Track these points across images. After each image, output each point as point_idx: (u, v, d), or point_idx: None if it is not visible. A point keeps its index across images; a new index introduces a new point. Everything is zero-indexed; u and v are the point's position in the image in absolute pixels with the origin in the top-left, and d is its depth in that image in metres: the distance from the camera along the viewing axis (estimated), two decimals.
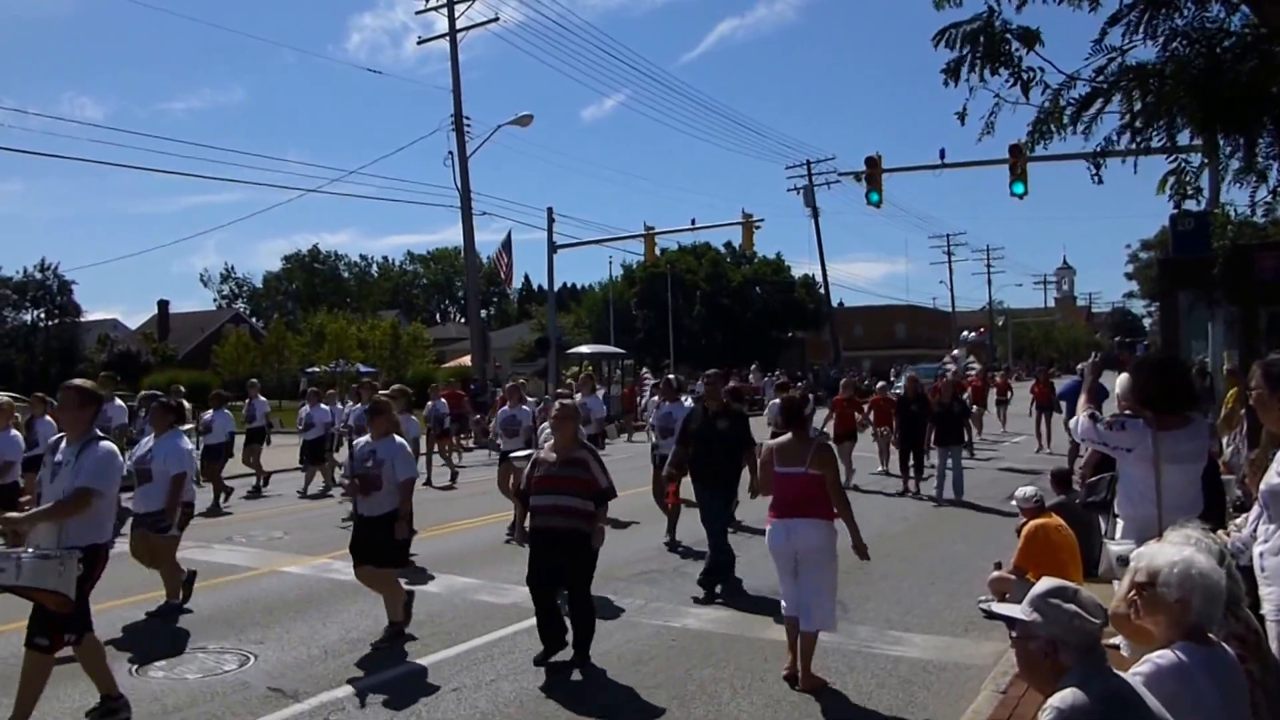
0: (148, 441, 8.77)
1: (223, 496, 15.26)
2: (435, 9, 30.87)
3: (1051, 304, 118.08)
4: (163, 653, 7.23)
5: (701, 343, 57.15)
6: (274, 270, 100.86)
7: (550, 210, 34.60)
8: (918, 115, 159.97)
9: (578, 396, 14.57)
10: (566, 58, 57.12)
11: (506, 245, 32.28)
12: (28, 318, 56.72)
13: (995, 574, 7.77)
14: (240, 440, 17.12)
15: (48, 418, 11.51)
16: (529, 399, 14.23)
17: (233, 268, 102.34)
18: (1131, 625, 2.99)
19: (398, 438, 7.69)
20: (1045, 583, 2.80)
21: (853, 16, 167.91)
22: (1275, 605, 3.68)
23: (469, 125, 30.52)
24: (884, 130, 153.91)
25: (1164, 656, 2.83)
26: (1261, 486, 3.94)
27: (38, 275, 56.21)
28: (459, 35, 30.71)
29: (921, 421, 14.85)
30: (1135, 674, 2.79)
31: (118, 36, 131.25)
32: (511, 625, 7.85)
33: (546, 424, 9.27)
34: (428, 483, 16.92)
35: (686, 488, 10.10)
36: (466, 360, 43.78)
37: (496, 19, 31.30)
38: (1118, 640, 4.12)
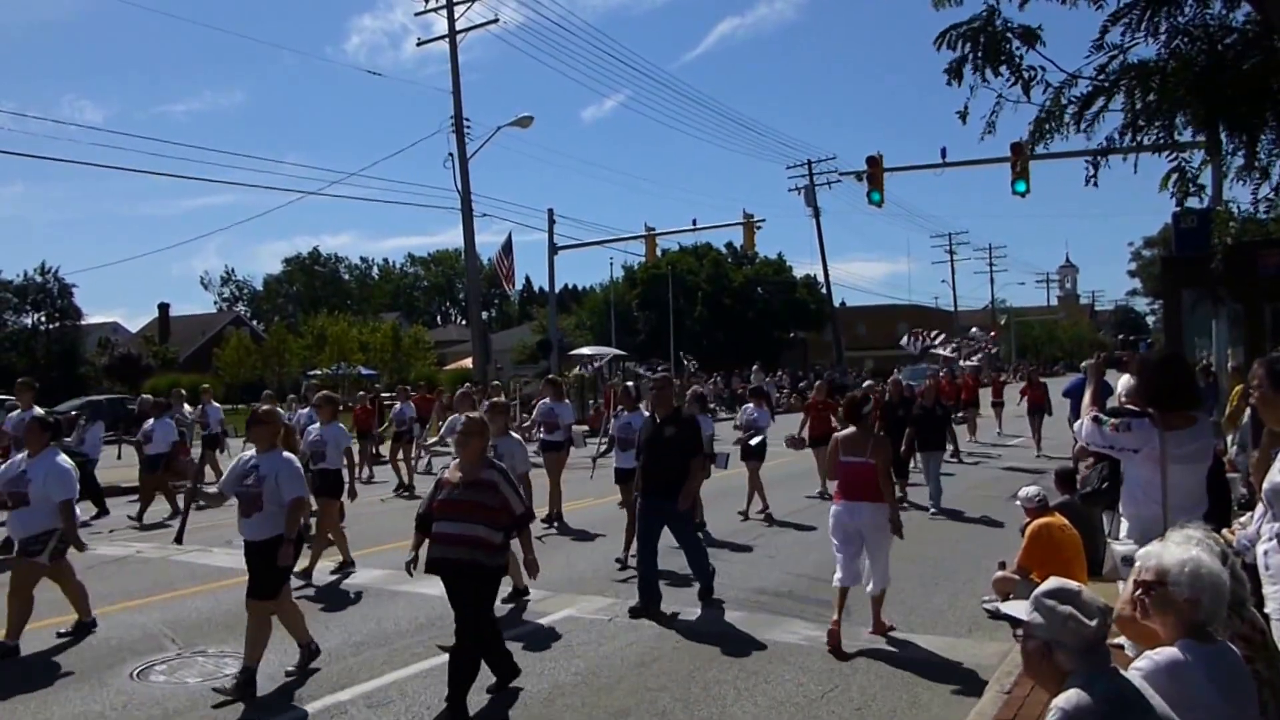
0: (20, 460, 7.86)
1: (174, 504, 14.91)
2: (435, 10, 30.81)
3: (1054, 302, 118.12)
4: (163, 656, 7.23)
5: (703, 344, 57.14)
6: (275, 273, 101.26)
7: (551, 211, 34.75)
8: (919, 114, 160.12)
9: (545, 401, 14.03)
10: (566, 58, 57.32)
11: (507, 248, 32.26)
12: (28, 321, 56.72)
13: (999, 574, 7.76)
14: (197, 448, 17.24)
15: None
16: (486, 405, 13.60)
17: (233, 270, 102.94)
18: (1136, 626, 2.98)
19: (285, 452, 6.84)
20: (1048, 583, 2.81)
21: (853, 15, 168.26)
22: (1279, 604, 3.66)
23: (469, 127, 30.48)
24: (885, 129, 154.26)
25: (1163, 653, 2.84)
26: (1264, 485, 3.92)
27: (38, 278, 56.19)
28: (459, 36, 30.67)
29: (906, 426, 14.20)
30: (1134, 669, 2.80)
31: (118, 39, 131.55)
32: (515, 628, 7.83)
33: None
34: (399, 488, 16.44)
35: None
36: (468, 363, 43.77)
37: (496, 20, 31.23)
38: (1122, 640, 4.09)
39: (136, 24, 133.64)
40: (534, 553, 6.34)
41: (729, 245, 61.70)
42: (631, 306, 59.48)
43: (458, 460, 6.31)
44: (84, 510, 10.42)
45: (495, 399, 9.22)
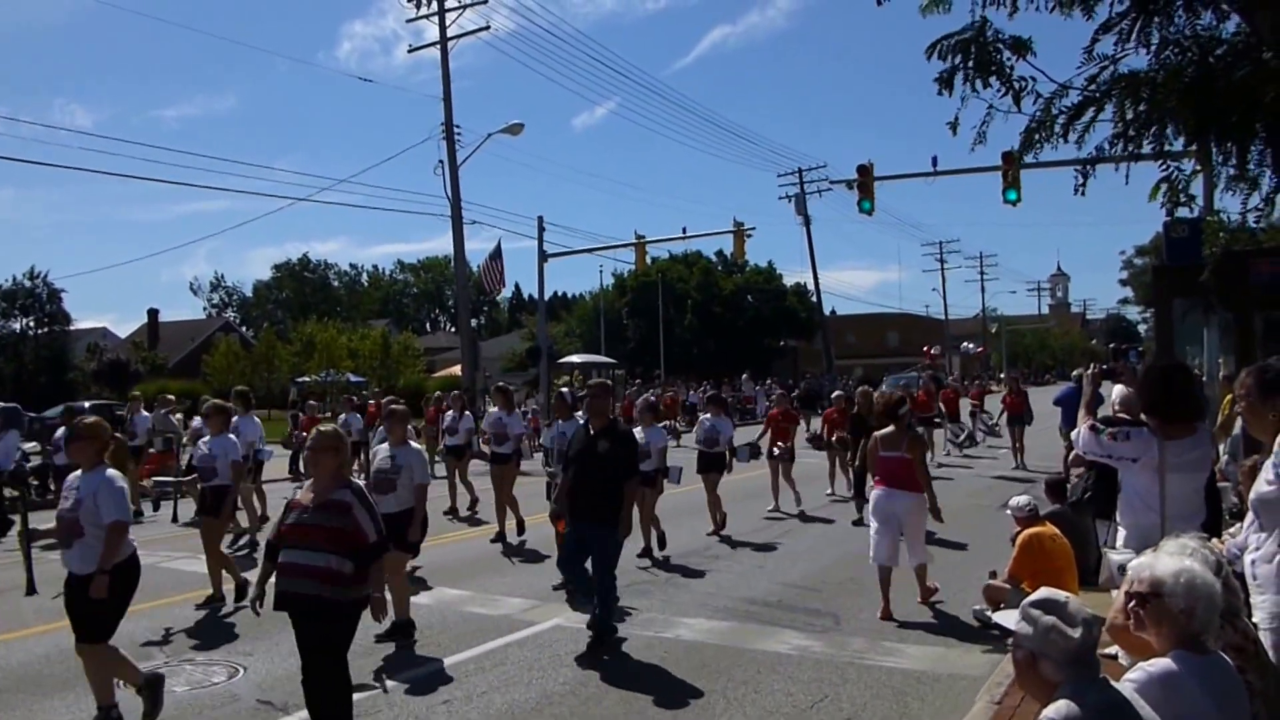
0: None
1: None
2: (426, 17, 30.83)
3: (1046, 311, 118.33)
4: (150, 665, 7.16)
5: (693, 352, 57.25)
6: (264, 279, 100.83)
7: (540, 219, 34.49)
8: (910, 123, 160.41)
9: (493, 409, 13.34)
10: (557, 66, 57.53)
11: (496, 254, 32.21)
12: (17, 326, 56.35)
13: (990, 583, 7.74)
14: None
15: None
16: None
17: (223, 276, 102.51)
18: (1129, 637, 2.97)
19: (109, 470, 5.95)
20: (1036, 593, 2.82)
21: (845, 23, 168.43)
22: (1268, 613, 3.66)
23: (460, 134, 30.39)
24: (876, 138, 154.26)
25: (1156, 664, 2.83)
26: (1251, 495, 3.92)
27: (27, 283, 55.77)
28: (450, 43, 30.68)
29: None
30: (1127, 681, 2.79)
31: (109, 44, 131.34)
32: (503, 637, 7.80)
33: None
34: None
35: None
36: (457, 370, 43.69)
37: (487, 27, 31.21)
38: (1114, 650, 4.08)
39: (128, 29, 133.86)
40: (384, 591, 5.65)
41: (719, 253, 61.86)
42: (621, 314, 59.55)
43: (311, 480, 5.63)
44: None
45: (394, 406, 8.68)
